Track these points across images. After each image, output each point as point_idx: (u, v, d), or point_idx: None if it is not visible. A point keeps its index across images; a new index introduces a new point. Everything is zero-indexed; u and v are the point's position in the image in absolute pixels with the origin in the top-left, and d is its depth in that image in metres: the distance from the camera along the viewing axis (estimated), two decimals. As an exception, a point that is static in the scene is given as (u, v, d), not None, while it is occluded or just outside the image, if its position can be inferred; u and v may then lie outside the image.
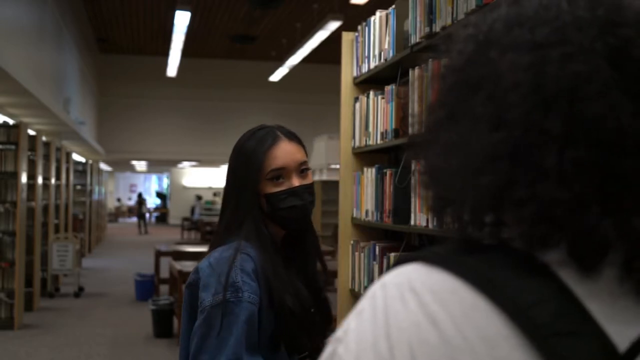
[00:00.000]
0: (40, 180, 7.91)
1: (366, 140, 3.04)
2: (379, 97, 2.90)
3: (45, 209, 8.66)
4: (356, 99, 3.19)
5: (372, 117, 2.98)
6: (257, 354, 1.41)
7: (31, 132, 7.74)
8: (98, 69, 19.83)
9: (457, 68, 0.60)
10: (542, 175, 0.52)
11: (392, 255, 2.76)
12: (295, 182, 1.51)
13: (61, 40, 11.99)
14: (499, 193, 0.54)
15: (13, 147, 6.92)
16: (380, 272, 2.79)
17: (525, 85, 0.53)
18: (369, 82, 3.12)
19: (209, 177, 27.38)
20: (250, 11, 14.50)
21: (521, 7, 0.57)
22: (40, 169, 7.90)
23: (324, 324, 1.58)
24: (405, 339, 0.52)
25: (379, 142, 2.89)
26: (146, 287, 8.42)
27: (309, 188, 1.54)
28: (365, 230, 3.19)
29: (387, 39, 2.85)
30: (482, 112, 0.56)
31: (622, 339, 0.50)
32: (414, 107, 2.44)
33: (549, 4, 0.56)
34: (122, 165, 27.51)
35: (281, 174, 1.50)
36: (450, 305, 0.52)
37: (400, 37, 2.71)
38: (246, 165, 1.50)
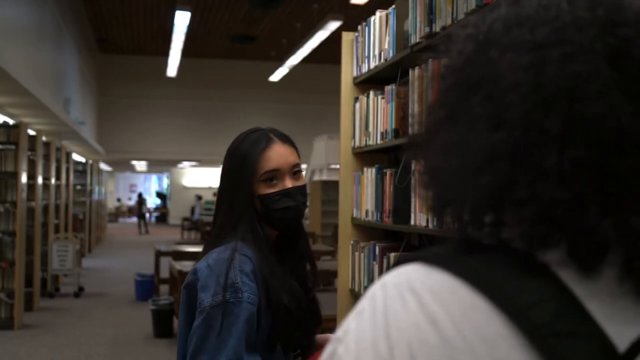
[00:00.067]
0: (40, 180, 7.91)
1: (366, 140, 3.04)
2: (379, 97, 2.90)
3: (45, 209, 8.66)
4: (356, 99, 3.19)
5: (372, 117, 2.98)
6: (255, 353, 1.43)
7: (31, 132, 7.74)
8: (98, 69, 19.83)
9: (456, 68, 0.60)
10: (542, 175, 0.52)
11: (392, 255, 2.76)
12: (289, 183, 1.54)
13: (61, 40, 11.99)
14: (498, 193, 0.54)
15: (13, 147, 6.92)
16: (380, 272, 2.79)
17: (525, 85, 0.53)
18: (369, 82, 3.12)
19: (209, 177, 27.38)
20: (250, 11, 14.50)
21: (521, 7, 0.57)
22: (40, 169, 7.90)
23: (315, 323, 1.60)
24: (404, 339, 0.52)
25: (379, 142, 2.89)
26: (146, 287, 8.43)
27: (301, 189, 1.57)
28: (365, 230, 3.19)
29: (387, 39, 2.85)
30: (481, 112, 0.56)
31: (621, 339, 0.50)
32: (414, 107, 2.44)
33: (548, 4, 0.56)
34: (122, 165, 27.51)
35: (275, 175, 1.53)
36: (449, 305, 0.52)
37: (400, 37, 2.71)
38: (240, 166, 1.52)
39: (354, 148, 3.23)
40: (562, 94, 0.52)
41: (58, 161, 9.90)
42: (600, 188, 0.51)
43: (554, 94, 0.52)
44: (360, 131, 3.12)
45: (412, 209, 2.49)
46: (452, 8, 2.20)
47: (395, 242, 2.92)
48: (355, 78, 3.24)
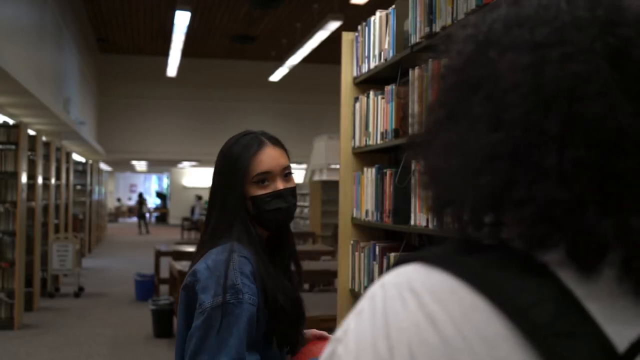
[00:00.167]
0: (40, 180, 7.91)
1: (366, 140, 3.04)
2: (379, 97, 2.90)
3: (45, 209, 8.66)
4: (356, 99, 3.19)
5: (372, 117, 2.98)
6: (254, 351, 1.46)
7: (31, 132, 7.74)
8: (98, 69, 19.84)
9: (456, 68, 0.60)
10: (542, 175, 0.52)
11: (392, 255, 2.76)
12: (280, 185, 1.58)
13: (61, 40, 11.99)
14: (498, 193, 0.54)
15: (13, 147, 6.92)
16: (380, 272, 2.79)
17: (525, 86, 0.53)
18: (369, 82, 3.13)
19: (209, 177, 27.30)
20: (250, 11, 14.51)
21: (521, 7, 0.57)
22: (40, 169, 7.90)
23: (303, 319, 1.65)
24: (404, 339, 0.52)
25: (379, 142, 2.89)
26: (146, 287, 8.43)
27: (292, 191, 1.61)
28: (365, 230, 3.19)
29: (387, 39, 2.85)
30: (481, 112, 0.56)
31: (621, 339, 0.50)
32: (414, 107, 2.44)
33: (548, 4, 0.56)
34: (122, 165, 27.51)
35: (266, 177, 1.57)
36: (449, 305, 0.52)
37: (400, 37, 2.71)
38: (233, 168, 1.56)
39: (354, 148, 3.23)
40: (562, 94, 0.52)
41: (58, 161, 9.90)
42: (600, 188, 0.51)
43: (553, 94, 0.52)
44: (360, 131, 3.12)
45: (412, 209, 2.49)
46: (452, 8, 2.20)
47: (395, 242, 2.92)
48: (355, 78, 3.24)
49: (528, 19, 0.56)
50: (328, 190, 13.12)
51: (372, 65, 2.99)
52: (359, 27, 3.18)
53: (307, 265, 8.10)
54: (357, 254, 3.11)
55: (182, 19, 11.63)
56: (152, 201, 32.26)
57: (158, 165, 27.69)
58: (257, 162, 1.56)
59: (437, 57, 2.05)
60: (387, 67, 2.82)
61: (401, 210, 2.63)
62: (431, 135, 0.61)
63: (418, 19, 2.47)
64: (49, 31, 10.55)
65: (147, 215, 24.83)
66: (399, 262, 0.58)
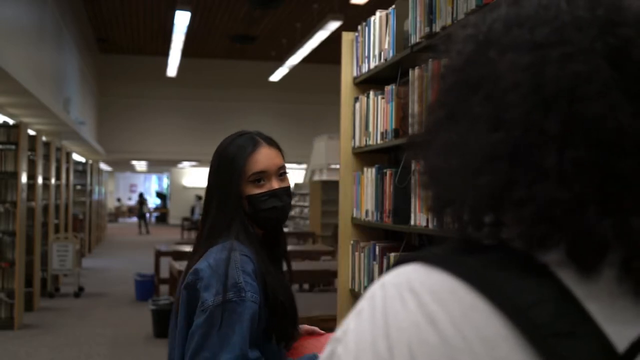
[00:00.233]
0: (40, 180, 7.91)
1: (366, 140, 3.04)
2: (379, 97, 2.90)
3: (45, 209, 8.66)
4: (356, 99, 3.19)
5: (372, 117, 2.98)
6: (255, 348, 1.48)
7: (31, 132, 7.74)
8: (98, 69, 19.84)
9: (456, 68, 0.60)
10: (542, 175, 0.52)
11: (392, 255, 2.76)
12: (275, 184, 1.61)
13: (61, 40, 12.00)
14: (498, 193, 0.54)
15: (13, 147, 6.92)
16: (380, 272, 2.79)
17: (525, 85, 0.53)
18: (369, 82, 3.13)
19: (208, 177, 27.31)
20: (250, 11, 14.51)
21: (521, 7, 0.57)
22: (40, 169, 7.90)
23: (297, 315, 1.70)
24: (404, 339, 0.52)
25: (379, 142, 2.89)
26: (146, 287, 8.43)
27: (287, 190, 1.65)
28: (365, 230, 3.19)
29: (387, 39, 2.85)
30: (481, 112, 0.56)
31: (621, 339, 0.50)
32: (414, 107, 2.44)
33: (548, 4, 0.56)
34: (122, 165, 27.52)
35: (262, 177, 1.60)
36: (449, 305, 0.52)
37: (400, 37, 2.71)
38: (229, 168, 1.58)
39: (354, 148, 3.23)
40: (562, 94, 0.52)
41: (58, 161, 9.90)
42: (600, 188, 0.51)
43: (553, 94, 0.52)
44: (360, 131, 3.12)
45: (412, 209, 2.49)
46: (452, 8, 2.20)
47: (395, 242, 2.92)
48: (355, 78, 3.24)
49: (528, 19, 0.56)
50: (328, 190, 13.12)
51: (372, 65, 2.99)
52: (359, 27, 3.18)
53: (307, 265, 8.11)
54: (357, 254, 3.11)
55: (182, 19, 11.64)
56: (152, 201, 32.27)
57: (158, 165, 27.70)
58: (253, 162, 1.58)
59: (437, 57, 2.05)
60: (387, 67, 2.82)
61: (401, 210, 2.63)
62: (431, 135, 0.61)
63: (418, 19, 2.47)
64: (49, 31, 10.55)
65: (148, 215, 24.82)
66: (398, 262, 0.58)
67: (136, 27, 16.79)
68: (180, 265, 6.79)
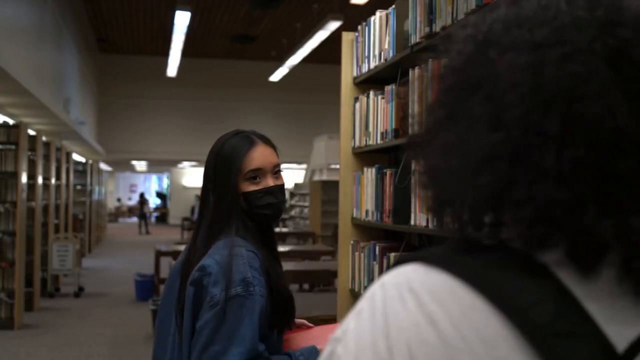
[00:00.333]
0: (40, 180, 7.91)
1: (366, 140, 3.04)
2: (379, 97, 2.90)
3: (45, 209, 8.66)
4: (356, 99, 3.19)
5: (372, 117, 2.98)
6: (260, 341, 1.52)
7: (31, 132, 7.74)
8: (98, 69, 19.84)
9: (456, 68, 0.60)
10: (542, 175, 0.52)
11: (392, 255, 2.76)
12: (271, 182, 1.66)
13: (61, 40, 12.00)
14: (498, 193, 0.54)
15: (13, 147, 6.92)
16: (380, 272, 2.79)
17: (525, 86, 0.53)
18: (369, 82, 3.13)
19: (209, 177, 27.28)
20: (250, 11, 14.51)
21: (520, 7, 0.57)
22: (40, 169, 7.89)
23: None
24: (404, 339, 0.52)
25: (379, 142, 2.89)
26: (146, 287, 8.43)
27: (281, 188, 1.69)
28: (365, 230, 3.19)
29: (387, 39, 2.85)
30: (481, 112, 0.56)
31: (620, 340, 0.50)
32: (414, 107, 2.44)
33: (548, 4, 0.56)
34: (122, 165, 27.52)
35: (258, 174, 1.64)
36: (448, 305, 0.52)
37: (400, 37, 2.71)
38: (226, 165, 1.62)
39: (354, 148, 3.23)
40: (561, 94, 0.52)
41: (58, 161, 9.89)
42: (599, 188, 0.51)
43: (553, 94, 0.52)
44: (360, 131, 3.12)
45: (412, 209, 2.49)
46: (452, 8, 2.20)
47: (395, 242, 2.93)
48: (355, 78, 3.24)
49: (528, 19, 0.56)
50: (328, 190, 13.13)
51: (372, 65, 2.99)
52: (359, 27, 3.18)
53: (307, 265, 8.11)
54: (357, 254, 3.11)
55: (182, 19, 11.64)
56: (152, 201, 32.27)
57: (158, 165, 27.69)
58: (249, 160, 1.62)
59: (437, 57, 2.05)
60: (387, 67, 2.82)
61: (401, 210, 2.63)
62: (431, 135, 0.61)
63: (418, 19, 2.47)
64: (49, 31, 10.55)
65: (148, 215, 24.81)
66: (398, 262, 0.58)
67: (136, 27, 16.79)
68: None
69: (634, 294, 0.52)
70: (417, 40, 2.48)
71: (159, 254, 8.37)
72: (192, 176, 28.26)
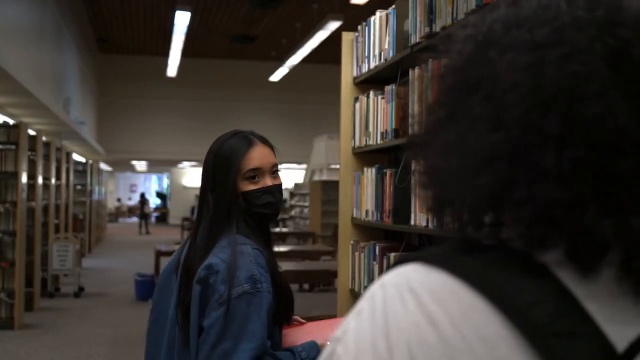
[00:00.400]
0: (40, 180, 7.91)
1: (366, 140, 3.04)
2: (379, 97, 2.90)
3: (45, 209, 8.66)
4: (356, 99, 3.19)
5: (372, 117, 2.98)
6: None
7: (31, 132, 7.74)
8: (98, 69, 19.83)
9: (456, 68, 0.60)
10: (542, 175, 0.52)
11: (392, 255, 2.76)
12: (269, 181, 1.68)
13: (61, 40, 12.00)
14: (498, 193, 0.54)
15: (13, 147, 6.91)
16: (380, 272, 2.79)
17: (525, 86, 0.53)
18: (369, 82, 3.13)
19: (209, 177, 27.28)
20: (250, 11, 14.51)
21: (520, 7, 0.57)
22: (40, 169, 7.89)
23: None
24: (404, 339, 0.52)
25: (379, 142, 2.89)
26: (146, 287, 8.42)
27: (279, 188, 1.72)
28: (365, 230, 3.19)
29: (387, 39, 2.85)
30: (481, 112, 0.56)
31: (620, 339, 0.50)
32: (414, 107, 2.44)
33: (548, 4, 0.56)
34: (122, 165, 27.51)
35: (257, 174, 1.67)
36: (448, 305, 0.52)
37: (400, 37, 2.71)
38: (226, 165, 1.64)
39: (354, 148, 3.23)
40: (561, 94, 0.52)
41: (58, 161, 9.89)
42: (599, 188, 0.51)
43: (553, 94, 0.52)
44: (360, 131, 3.12)
45: (412, 209, 2.49)
46: (452, 8, 2.20)
47: (395, 242, 2.92)
48: (355, 78, 3.24)
49: (528, 20, 0.56)
50: (328, 190, 13.13)
51: (372, 65, 2.99)
52: (359, 27, 3.18)
53: (307, 265, 8.11)
54: (357, 254, 3.11)
55: (182, 19, 11.64)
56: (152, 201, 32.28)
57: (158, 165, 27.69)
58: (248, 159, 1.65)
59: (437, 57, 2.04)
60: (387, 67, 2.82)
61: (401, 210, 2.63)
62: (431, 135, 0.61)
63: (418, 19, 2.47)
64: (49, 31, 10.55)
65: (149, 215, 24.80)
66: (398, 262, 0.58)
67: (136, 27, 16.78)
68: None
69: (634, 294, 0.52)
70: (417, 40, 2.48)
71: (159, 254, 8.37)
72: (192, 176, 28.26)
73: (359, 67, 3.17)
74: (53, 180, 9.13)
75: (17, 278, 6.76)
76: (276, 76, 17.64)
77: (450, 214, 0.60)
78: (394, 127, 2.74)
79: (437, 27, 2.32)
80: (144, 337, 1.87)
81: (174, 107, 20.95)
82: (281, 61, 15.88)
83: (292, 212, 17.34)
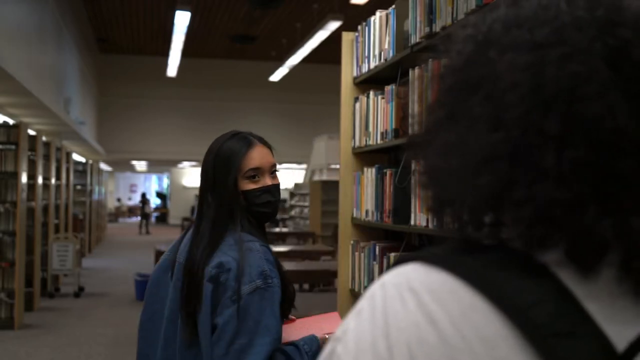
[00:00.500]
0: (40, 180, 7.91)
1: (366, 140, 3.04)
2: (379, 97, 2.90)
3: (45, 209, 8.66)
4: (356, 99, 3.19)
5: (372, 117, 2.98)
6: None
7: (31, 132, 7.74)
8: (98, 69, 19.83)
9: (456, 68, 0.60)
10: (542, 175, 0.52)
11: (392, 255, 2.76)
12: (268, 181, 1.72)
13: (61, 40, 11.99)
14: (498, 193, 0.54)
15: (13, 147, 6.91)
16: (380, 272, 2.79)
17: (525, 86, 0.53)
18: (369, 82, 3.13)
19: (209, 177, 27.28)
20: (250, 11, 14.50)
21: (520, 7, 0.58)
22: (40, 169, 7.89)
23: None
24: (404, 339, 0.52)
25: (379, 142, 2.89)
26: (146, 287, 8.42)
27: (278, 187, 1.76)
28: (365, 230, 3.19)
29: (387, 39, 2.85)
30: (481, 112, 0.56)
31: (620, 339, 0.50)
32: (414, 107, 2.44)
33: (548, 4, 0.56)
34: (122, 165, 27.51)
35: (257, 173, 1.70)
36: (448, 304, 0.52)
37: (400, 37, 2.71)
38: (226, 165, 1.67)
39: (354, 148, 3.23)
40: (561, 94, 0.52)
41: (58, 161, 9.89)
42: (599, 188, 0.51)
43: (553, 94, 0.52)
44: (360, 131, 3.12)
45: (412, 209, 2.49)
46: (452, 8, 2.20)
47: (395, 242, 2.93)
48: (355, 78, 3.24)
49: (528, 20, 0.56)
50: (328, 190, 13.13)
51: (372, 65, 2.99)
52: (359, 27, 3.18)
53: (307, 265, 8.11)
54: (357, 254, 3.11)
55: (182, 19, 11.64)
56: (152, 201, 32.28)
57: (158, 165, 27.69)
58: (249, 159, 1.68)
59: (437, 57, 2.04)
60: (387, 67, 2.82)
61: (401, 210, 2.63)
62: (431, 135, 0.61)
63: (418, 19, 2.47)
64: (49, 31, 10.55)
65: (149, 215, 24.79)
66: (398, 262, 0.58)
67: (136, 27, 16.78)
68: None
69: (634, 294, 0.52)
70: (417, 40, 2.48)
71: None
72: (192, 176, 28.26)
73: (359, 67, 3.17)
74: (53, 180, 9.13)
75: (17, 278, 6.76)
76: (276, 76, 17.64)
77: (450, 214, 0.60)
78: (394, 127, 2.74)
79: (437, 27, 2.32)
80: (141, 337, 1.88)
81: (174, 107, 20.94)
82: (281, 61, 15.87)
83: (292, 212, 17.33)
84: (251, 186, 1.68)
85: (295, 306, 1.75)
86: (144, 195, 23.94)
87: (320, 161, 14.45)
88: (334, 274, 6.59)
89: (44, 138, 8.49)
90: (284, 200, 17.97)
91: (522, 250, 0.54)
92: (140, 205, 23.68)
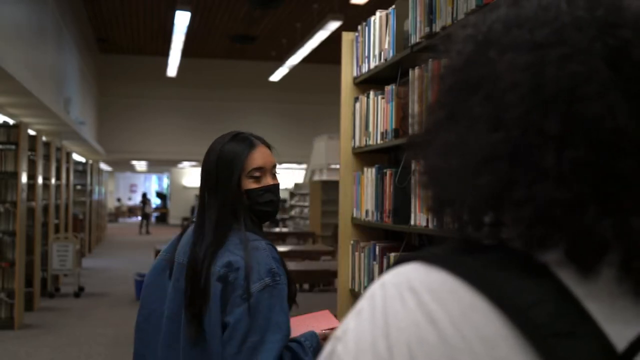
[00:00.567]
0: (40, 180, 7.91)
1: (366, 140, 3.04)
2: (379, 97, 2.90)
3: (45, 209, 8.66)
4: (356, 99, 3.19)
5: (372, 117, 2.98)
6: None
7: (31, 132, 7.74)
8: (98, 69, 19.83)
9: (456, 68, 0.60)
10: (542, 175, 0.52)
11: (392, 255, 2.76)
12: (270, 180, 1.75)
13: (61, 40, 11.99)
14: (498, 193, 0.54)
15: (13, 147, 6.91)
16: (380, 272, 2.79)
17: (525, 86, 0.53)
18: (369, 82, 3.12)
19: (209, 177, 27.28)
20: (250, 11, 14.51)
21: (520, 7, 0.58)
22: (40, 169, 7.89)
23: None
24: (404, 339, 0.52)
25: (379, 142, 2.89)
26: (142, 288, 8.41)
27: (278, 187, 1.79)
28: (365, 230, 3.19)
29: (387, 39, 2.85)
30: (481, 112, 0.56)
31: (620, 339, 0.50)
32: (414, 107, 2.44)
33: (548, 4, 0.56)
34: (122, 165, 27.51)
35: (260, 173, 1.72)
36: (448, 304, 0.52)
37: (400, 37, 2.71)
38: (229, 165, 1.69)
39: (354, 148, 3.23)
40: (561, 94, 0.52)
41: (58, 161, 9.89)
42: (599, 188, 0.51)
43: (553, 94, 0.52)
44: (360, 131, 3.12)
45: (412, 209, 2.49)
46: (452, 8, 2.20)
47: (395, 242, 2.92)
48: (355, 78, 3.24)
49: (528, 20, 0.56)
50: (328, 190, 13.13)
51: (372, 65, 2.99)
52: (359, 27, 3.18)
53: (307, 265, 8.11)
54: (357, 254, 3.11)
55: (182, 19, 11.64)
56: (153, 201, 32.28)
57: (158, 165, 27.69)
58: (252, 159, 1.71)
59: (437, 57, 2.04)
60: (387, 67, 2.82)
61: (401, 210, 2.63)
62: (431, 135, 0.61)
63: (418, 19, 2.47)
64: (49, 31, 10.55)
65: (150, 215, 24.79)
66: (398, 262, 0.58)
67: (136, 27, 16.78)
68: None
69: (634, 294, 0.52)
70: (417, 40, 2.48)
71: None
72: (192, 176, 28.26)
73: (359, 67, 3.17)
74: (53, 180, 9.12)
75: (17, 278, 6.76)
76: (276, 76, 17.64)
77: (450, 214, 0.60)
78: (394, 127, 2.74)
79: (437, 27, 2.32)
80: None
81: (174, 107, 20.94)
82: (281, 61, 15.88)
83: (292, 212, 17.33)
84: (254, 185, 1.70)
85: (297, 303, 1.76)
86: (144, 195, 23.93)
87: (320, 161, 14.45)
88: (334, 274, 6.59)
89: (44, 138, 8.49)
90: (284, 200, 17.97)
91: (522, 250, 0.54)
92: (141, 205, 23.68)
